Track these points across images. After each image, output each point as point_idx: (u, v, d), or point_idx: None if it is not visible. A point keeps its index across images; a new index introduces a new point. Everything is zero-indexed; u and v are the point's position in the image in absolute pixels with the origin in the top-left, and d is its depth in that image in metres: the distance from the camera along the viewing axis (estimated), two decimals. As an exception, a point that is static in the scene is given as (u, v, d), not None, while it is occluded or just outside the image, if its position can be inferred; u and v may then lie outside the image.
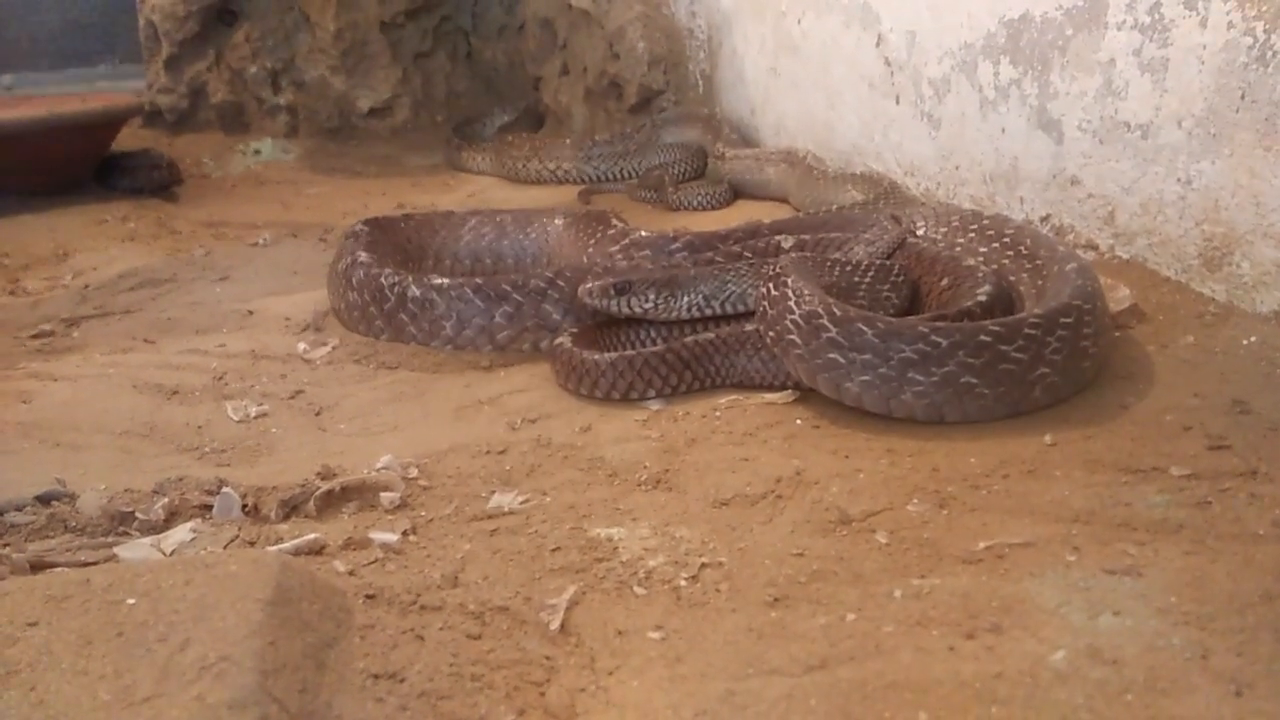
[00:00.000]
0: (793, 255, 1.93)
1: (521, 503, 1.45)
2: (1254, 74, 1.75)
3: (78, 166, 3.78)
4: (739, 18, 3.73)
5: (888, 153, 2.91)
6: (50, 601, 0.99)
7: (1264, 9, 1.72)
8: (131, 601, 0.98)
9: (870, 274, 1.92)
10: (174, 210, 3.64)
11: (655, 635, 1.13)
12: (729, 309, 1.95)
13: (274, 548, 1.29)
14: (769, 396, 1.75)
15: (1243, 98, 1.77)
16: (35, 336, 2.30)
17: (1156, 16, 1.93)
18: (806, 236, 2.21)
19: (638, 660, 1.09)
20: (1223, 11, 1.79)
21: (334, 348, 2.15)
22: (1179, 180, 1.92)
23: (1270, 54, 1.72)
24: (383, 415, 1.83)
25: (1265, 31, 1.72)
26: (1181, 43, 1.89)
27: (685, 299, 1.94)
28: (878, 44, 2.89)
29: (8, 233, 3.26)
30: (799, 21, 3.32)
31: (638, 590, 1.22)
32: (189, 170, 4.21)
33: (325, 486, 1.47)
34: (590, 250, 2.39)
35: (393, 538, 1.34)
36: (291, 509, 1.45)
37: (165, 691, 0.85)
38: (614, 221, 2.46)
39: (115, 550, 1.34)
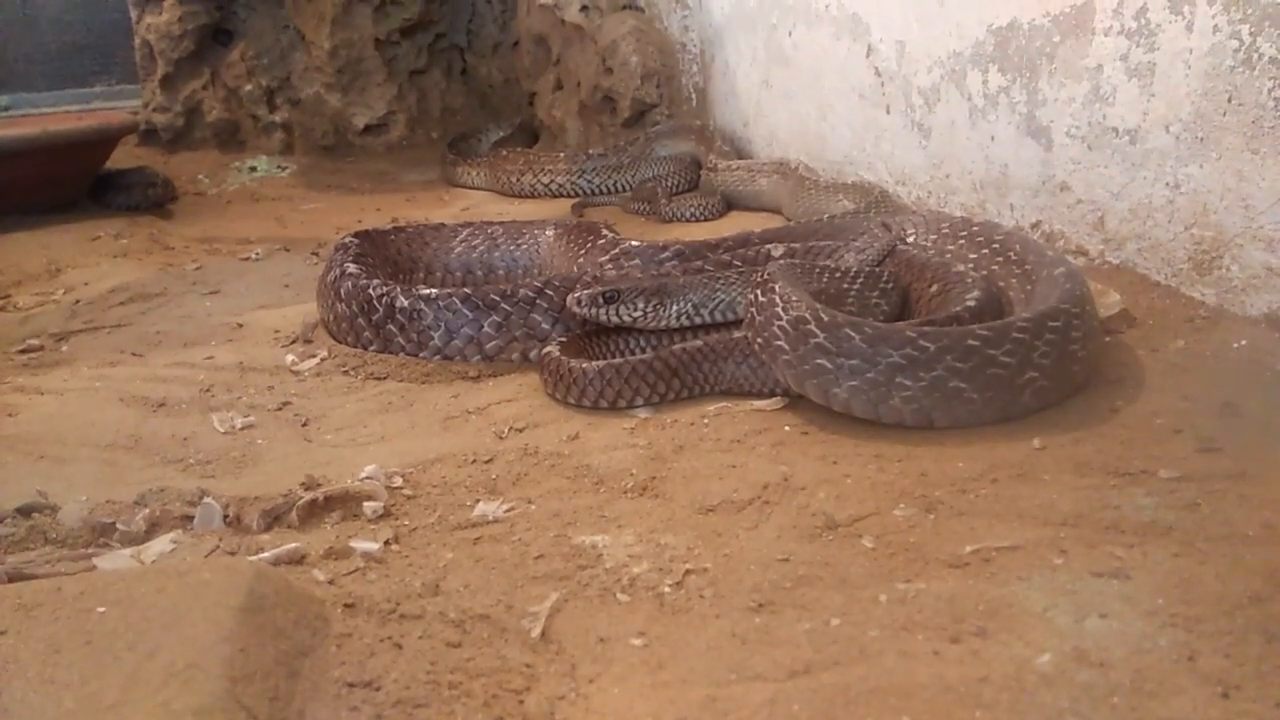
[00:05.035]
0: (781, 262, 1.93)
1: (506, 511, 1.44)
2: (1240, 77, 1.74)
3: (72, 184, 3.79)
4: (731, 31, 3.74)
5: (879, 162, 2.91)
6: (20, 610, 0.98)
7: (1249, 12, 1.72)
8: (102, 610, 0.96)
9: (859, 281, 1.92)
10: (168, 226, 3.65)
11: (637, 642, 1.11)
12: (718, 317, 1.94)
13: (253, 557, 1.28)
14: (757, 404, 1.74)
15: (1229, 101, 1.77)
16: (23, 351, 2.29)
17: (1143, 22, 1.93)
18: (797, 245, 2.20)
19: (619, 667, 1.07)
20: (1208, 15, 1.79)
21: (322, 359, 2.14)
22: (1168, 185, 1.91)
23: (1256, 57, 1.71)
24: (370, 426, 1.82)
25: (1250, 34, 1.72)
26: (1168, 47, 1.89)
27: (674, 307, 1.93)
28: (868, 55, 2.90)
29: (1, 249, 3.26)
30: (790, 34, 3.32)
31: (621, 597, 1.20)
32: (184, 187, 4.22)
33: (308, 496, 1.45)
34: (581, 260, 2.38)
35: (374, 547, 1.33)
36: (274, 519, 1.43)
37: (131, 699, 0.83)
38: (604, 232, 2.45)
39: (95, 561, 1.33)
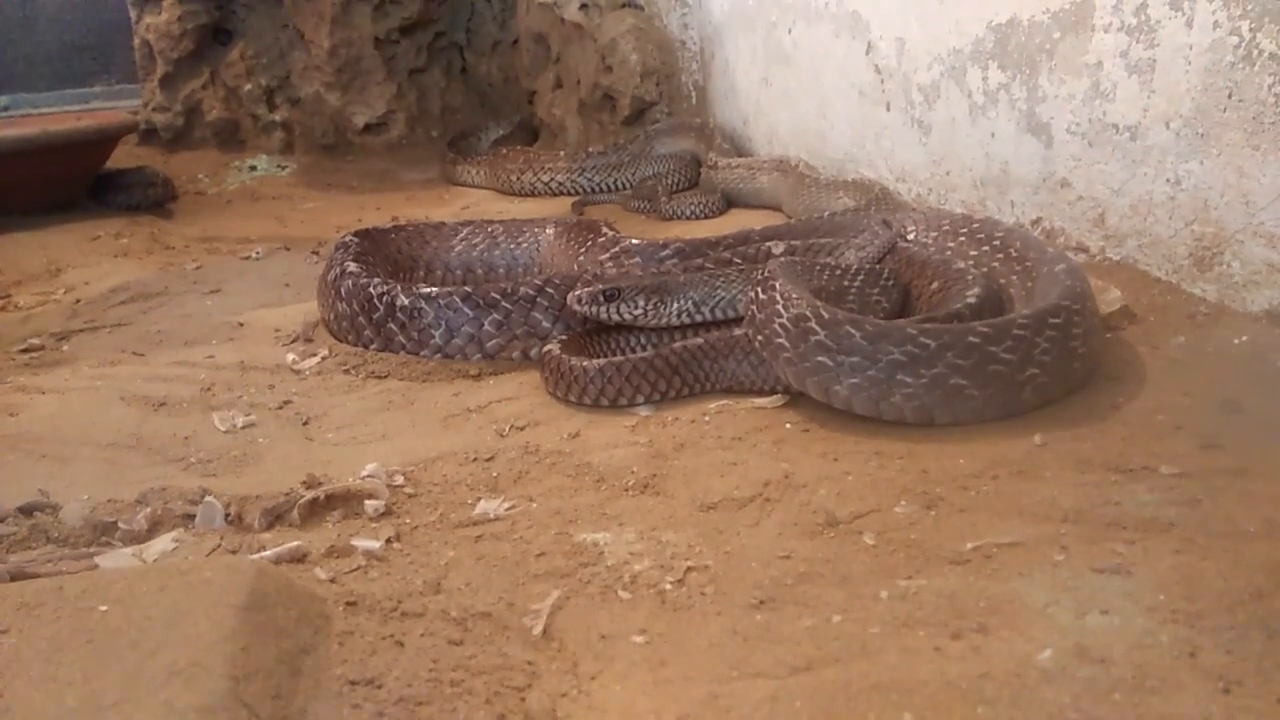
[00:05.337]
0: (781, 259, 1.93)
1: (507, 509, 1.44)
2: (1240, 73, 1.74)
3: (72, 184, 3.79)
4: (730, 29, 3.74)
5: (879, 160, 2.91)
6: (22, 609, 0.98)
7: (1249, 8, 1.72)
8: (104, 608, 0.97)
9: (860, 278, 1.92)
10: (168, 226, 3.65)
11: (639, 639, 1.11)
12: (719, 315, 1.94)
13: (255, 556, 1.28)
14: (758, 401, 1.74)
15: (1230, 97, 1.77)
16: (24, 350, 2.29)
17: (1143, 18, 1.93)
18: (797, 242, 2.20)
19: (621, 664, 1.07)
20: (1208, 11, 1.79)
21: (323, 358, 2.14)
22: (1168, 181, 1.91)
23: (1256, 53, 1.71)
24: (371, 424, 1.82)
25: (1251, 30, 1.72)
26: (1168, 43, 1.88)
27: (675, 305, 1.93)
28: (867, 52, 2.90)
29: (1, 249, 3.26)
30: (789, 31, 3.32)
31: (622, 594, 1.20)
32: (184, 187, 4.23)
33: (309, 495, 1.45)
34: (581, 258, 2.38)
35: (376, 545, 1.33)
36: (275, 518, 1.43)
37: (133, 697, 0.83)
38: (604, 229, 2.46)
39: (96, 560, 1.33)
